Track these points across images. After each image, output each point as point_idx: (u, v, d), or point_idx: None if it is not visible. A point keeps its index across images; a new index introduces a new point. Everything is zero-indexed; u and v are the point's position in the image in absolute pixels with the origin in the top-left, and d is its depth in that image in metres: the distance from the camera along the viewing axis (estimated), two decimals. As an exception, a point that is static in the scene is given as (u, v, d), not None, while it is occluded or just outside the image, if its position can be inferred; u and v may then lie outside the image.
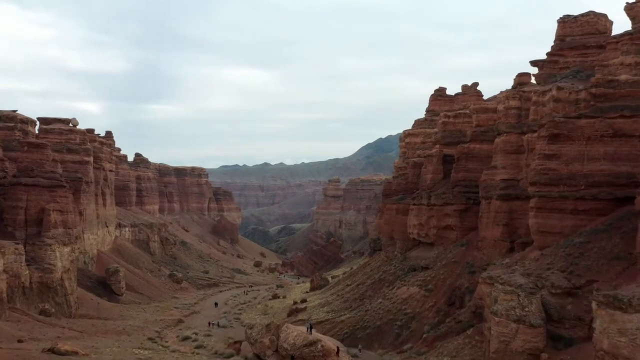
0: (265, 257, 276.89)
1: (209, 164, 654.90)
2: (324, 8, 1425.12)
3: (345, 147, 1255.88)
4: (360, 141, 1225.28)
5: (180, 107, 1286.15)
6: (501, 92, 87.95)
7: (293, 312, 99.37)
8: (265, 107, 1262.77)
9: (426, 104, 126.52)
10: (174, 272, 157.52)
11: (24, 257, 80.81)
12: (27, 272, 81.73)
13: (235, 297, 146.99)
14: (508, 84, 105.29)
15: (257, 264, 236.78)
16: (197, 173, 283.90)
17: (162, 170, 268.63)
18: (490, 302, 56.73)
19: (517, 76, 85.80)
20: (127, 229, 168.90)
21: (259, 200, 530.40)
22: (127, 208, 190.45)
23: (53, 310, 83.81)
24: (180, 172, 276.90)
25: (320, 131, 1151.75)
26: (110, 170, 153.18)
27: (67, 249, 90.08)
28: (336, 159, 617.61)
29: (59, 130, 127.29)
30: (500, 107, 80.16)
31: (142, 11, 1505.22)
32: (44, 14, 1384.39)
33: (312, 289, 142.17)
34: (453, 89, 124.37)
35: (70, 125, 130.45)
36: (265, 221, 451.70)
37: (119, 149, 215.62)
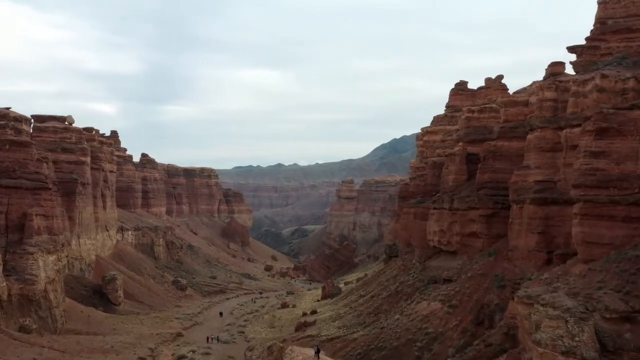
0: (276, 260, 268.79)
1: (223, 165, 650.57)
2: (336, 8, 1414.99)
3: (359, 147, 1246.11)
4: (374, 142, 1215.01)
5: (194, 108, 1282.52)
6: (534, 83, 78.65)
7: (301, 326, 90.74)
8: (278, 108, 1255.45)
9: (441, 104, 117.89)
10: (178, 279, 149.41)
11: (1, 267, 72.83)
12: (6, 283, 73.74)
13: (242, 305, 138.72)
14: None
15: (268, 268, 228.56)
16: (206, 174, 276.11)
17: (171, 171, 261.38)
18: (530, 327, 47.70)
19: (549, 66, 76.29)
20: (130, 232, 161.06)
21: (272, 201, 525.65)
22: (132, 210, 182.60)
23: (34, 326, 75.70)
24: (189, 172, 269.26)
25: (334, 132, 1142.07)
26: (111, 171, 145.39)
27: (52, 258, 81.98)
28: (350, 160, 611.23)
29: (54, 129, 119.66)
30: (533, 99, 70.88)
31: (156, 12, 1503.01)
32: (57, 15, 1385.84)
33: (324, 297, 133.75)
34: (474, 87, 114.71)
35: (66, 123, 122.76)
36: (278, 222, 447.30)
37: (125, 149, 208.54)
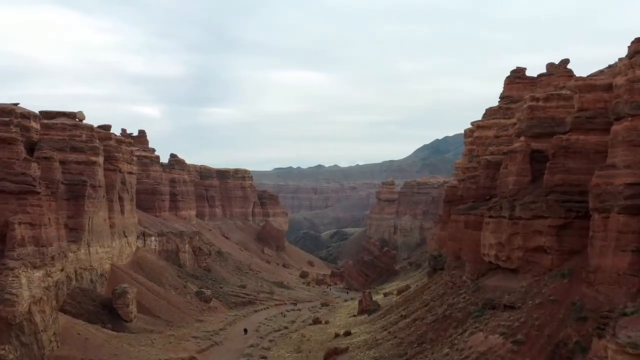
0: (313, 266, 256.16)
1: (264, 167, 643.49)
2: (378, 9, 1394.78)
3: (400, 149, 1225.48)
4: (415, 143, 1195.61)
5: (236, 110, 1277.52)
6: (619, 61, 63.90)
7: (331, 354, 77.21)
8: (320, 109, 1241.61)
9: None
10: (202, 289, 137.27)
11: (-27, 287, 61.43)
12: (-21, 305, 62.27)
13: (270, 319, 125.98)
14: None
15: (304, 275, 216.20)
16: (240, 175, 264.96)
17: (203, 173, 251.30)
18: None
19: (633, 42, 61.05)
20: (152, 238, 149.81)
21: (312, 203, 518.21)
22: (157, 214, 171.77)
23: (12, 355, 63.97)
24: (222, 174, 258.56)
25: (375, 133, 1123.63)
26: (130, 172, 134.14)
27: (38, 274, 70.20)
28: (391, 161, 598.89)
29: (62, 126, 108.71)
30: (620, 80, 56.03)
31: (199, 15, 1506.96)
32: (105, 20, 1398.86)
33: (360, 311, 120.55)
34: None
35: (77, 120, 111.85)
36: (318, 225, 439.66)
37: (153, 150, 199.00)
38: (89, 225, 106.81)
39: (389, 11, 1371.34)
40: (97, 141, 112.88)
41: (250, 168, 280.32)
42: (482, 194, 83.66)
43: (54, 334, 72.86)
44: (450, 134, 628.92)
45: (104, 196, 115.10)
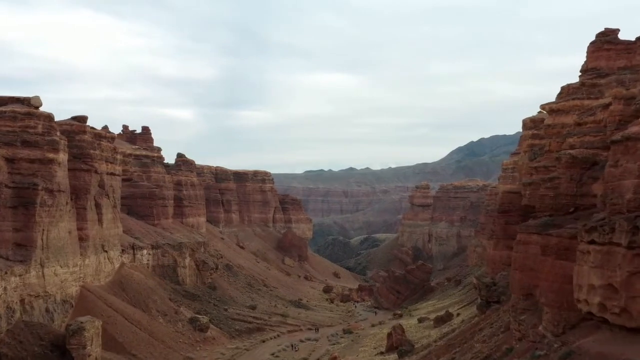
0: (339, 278, 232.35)
1: (295, 169, 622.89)
2: (411, 11, 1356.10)
3: (433, 151, 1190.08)
4: (449, 145, 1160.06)
5: (268, 113, 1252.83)
6: None
7: None
8: (352, 112, 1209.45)
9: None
10: (198, 315, 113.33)
11: None
12: None
13: (278, 355, 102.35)
14: None
15: (327, 289, 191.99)
16: (260, 177, 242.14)
17: (219, 175, 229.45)
18: None
19: None
20: (144, 251, 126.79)
21: (342, 206, 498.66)
22: (155, 222, 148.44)
23: None
24: (240, 176, 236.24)
25: (408, 135, 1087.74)
26: (111, 174, 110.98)
27: None
28: (424, 164, 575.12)
29: (12, 114, 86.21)
30: None
31: (230, 19, 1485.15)
32: (138, 24, 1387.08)
33: (389, 348, 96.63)
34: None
35: (32, 107, 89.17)
36: (348, 229, 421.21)
37: (159, 149, 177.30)
38: (42, 239, 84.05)
39: (419, 13, 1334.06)
40: (58, 134, 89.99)
41: (281, 171, 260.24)
42: (563, 204, 57.87)
43: None
44: (486, 135, 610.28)
45: (68, 203, 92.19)
